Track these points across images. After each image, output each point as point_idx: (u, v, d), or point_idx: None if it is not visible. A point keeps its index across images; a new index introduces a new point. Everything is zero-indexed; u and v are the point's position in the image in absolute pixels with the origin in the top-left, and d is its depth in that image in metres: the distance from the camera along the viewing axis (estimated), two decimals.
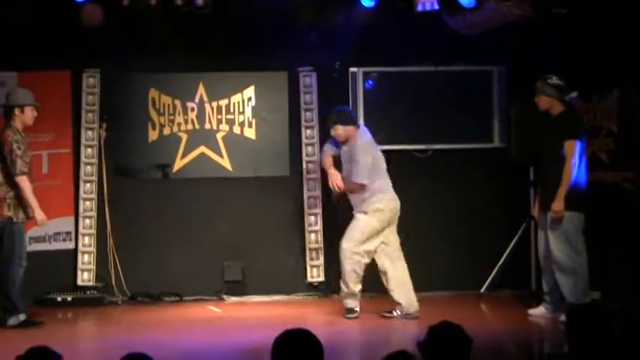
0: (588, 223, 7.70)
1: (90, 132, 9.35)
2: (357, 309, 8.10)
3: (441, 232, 9.52)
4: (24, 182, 7.76)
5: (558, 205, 7.56)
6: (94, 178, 9.32)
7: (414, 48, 9.27)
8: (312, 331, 3.58)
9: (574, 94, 7.82)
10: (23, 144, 7.82)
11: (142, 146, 9.49)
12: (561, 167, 7.58)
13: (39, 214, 7.80)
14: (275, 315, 8.42)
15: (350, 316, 8.07)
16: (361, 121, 8.66)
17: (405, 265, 8.12)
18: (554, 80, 7.75)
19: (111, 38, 8.78)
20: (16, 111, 7.87)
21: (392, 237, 8.12)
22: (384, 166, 8.16)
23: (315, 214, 9.49)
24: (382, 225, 8.04)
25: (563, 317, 6.98)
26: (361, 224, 8.07)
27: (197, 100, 9.53)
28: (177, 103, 9.51)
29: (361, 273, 8.05)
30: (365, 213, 8.05)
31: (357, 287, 8.08)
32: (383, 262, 8.06)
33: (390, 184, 8.14)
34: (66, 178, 9.32)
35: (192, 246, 9.41)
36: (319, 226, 9.45)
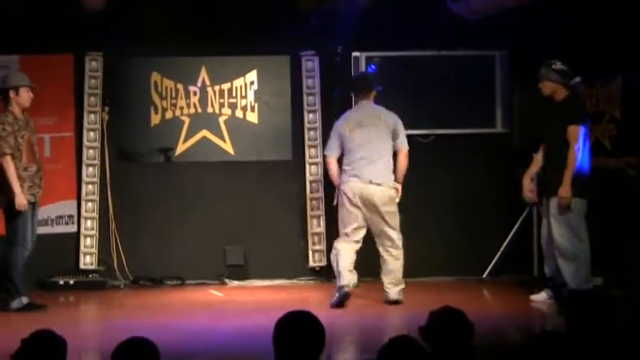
0: (591, 210, 7.69)
1: (92, 115, 9.35)
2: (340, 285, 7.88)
3: (443, 218, 9.52)
4: (6, 164, 7.74)
5: (565, 190, 7.53)
6: (97, 161, 9.32)
7: (417, 33, 9.24)
8: None
9: (577, 79, 7.79)
10: (11, 125, 7.77)
11: (144, 130, 9.49)
12: (564, 153, 7.56)
13: (19, 198, 7.74)
14: (276, 299, 8.43)
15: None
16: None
17: (389, 256, 7.91)
18: (557, 65, 7.72)
19: (113, 21, 8.78)
20: (11, 93, 7.86)
21: (379, 226, 7.93)
22: (354, 150, 7.93)
23: (317, 199, 9.49)
24: (348, 207, 7.89)
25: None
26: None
27: (199, 83, 9.52)
28: (180, 86, 9.51)
29: (337, 255, 7.95)
30: None
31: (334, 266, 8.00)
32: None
33: (355, 169, 7.86)
34: (68, 162, 9.32)
35: (195, 230, 9.42)
36: (321, 211, 9.45)
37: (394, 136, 8.00)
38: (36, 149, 8.01)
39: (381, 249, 7.97)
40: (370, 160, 7.88)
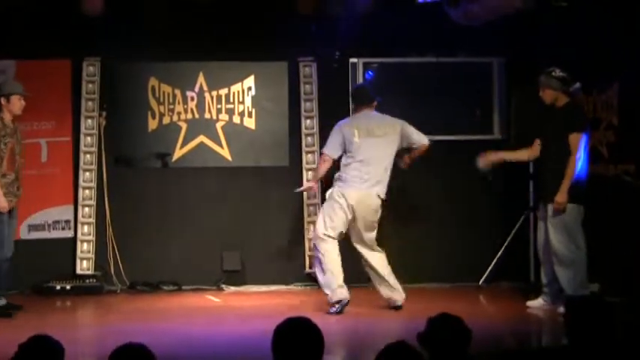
0: (588, 216, 7.70)
1: (90, 120, 9.34)
2: (333, 300, 7.78)
3: (440, 224, 9.52)
4: None
5: (562, 197, 7.55)
6: (94, 166, 9.31)
7: (415, 39, 9.25)
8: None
9: (577, 85, 7.80)
10: None
11: (141, 135, 9.48)
12: (564, 159, 7.57)
13: (1, 200, 7.77)
14: (273, 305, 8.41)
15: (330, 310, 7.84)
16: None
17: (373, 253, 7.99)
18: (557, 73, 7.73)
19: (111, 26, 8.78)
20: (2, 101, 7.88)
21: (361, 232, 7.92)
22: (365, 162, 7.89)
23: (314, 205, 9.48)
24: (340, 210, 7.84)
25: (561, 309, 6.99)
26: (324, 205, 8.11)
27: (197, 89, 9.52)
28: (177, 92, 9.50)
29: (323, 259, 7.85)
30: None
31: (320, 275, 7.91)
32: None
33: (363, 178, 7.86)
34: (65, 167, 9.31)
35: (192, 235, 9.42)
36: None
37: (407, 140, 8.03)
38: (17, 158, 7.96)
39: (364, 251, 7.95)
40: (377, 174, 7.88)
